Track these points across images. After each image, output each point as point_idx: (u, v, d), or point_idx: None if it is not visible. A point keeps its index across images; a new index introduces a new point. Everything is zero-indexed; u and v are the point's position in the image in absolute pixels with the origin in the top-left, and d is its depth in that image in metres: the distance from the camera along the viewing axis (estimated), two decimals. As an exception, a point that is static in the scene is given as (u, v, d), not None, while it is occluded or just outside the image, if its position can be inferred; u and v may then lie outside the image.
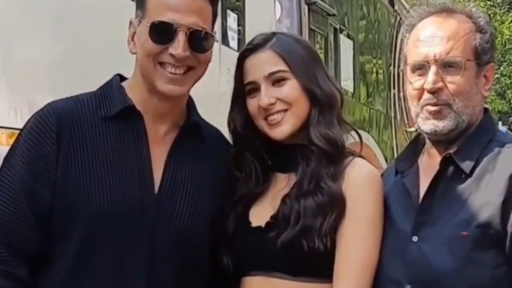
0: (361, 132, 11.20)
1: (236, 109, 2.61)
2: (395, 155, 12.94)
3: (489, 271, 2.34)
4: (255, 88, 2.54)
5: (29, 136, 2.38)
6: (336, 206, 2.44)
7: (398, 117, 13.40)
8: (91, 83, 2.59)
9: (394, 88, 13.13)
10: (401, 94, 13.45)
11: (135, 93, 2.45)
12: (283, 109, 2.52)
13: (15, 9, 3.71)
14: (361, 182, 2.50)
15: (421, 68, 2.48)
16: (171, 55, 2.38)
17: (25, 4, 3.77)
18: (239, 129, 2.60)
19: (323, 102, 2.55)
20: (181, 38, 2.37)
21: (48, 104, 2.46)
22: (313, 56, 2.65)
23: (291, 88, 2.53)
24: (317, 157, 2.50)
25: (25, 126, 2.44)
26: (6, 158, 2.41)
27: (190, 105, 2.55)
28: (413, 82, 2.49)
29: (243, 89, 2.58)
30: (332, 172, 2.48)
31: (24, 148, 2.37)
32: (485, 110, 2.56)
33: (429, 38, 2.48)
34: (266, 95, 2.51)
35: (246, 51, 2.61)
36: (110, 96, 2.45)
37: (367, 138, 11.42)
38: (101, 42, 4.13)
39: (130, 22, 2.45)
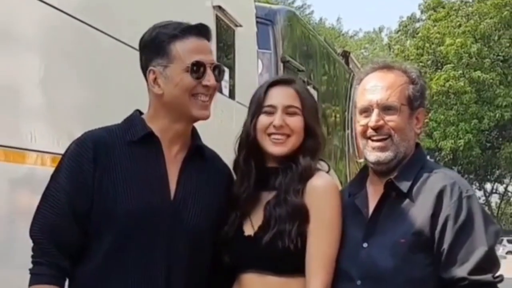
0: (322, 162, 11.22)
1: (250, 124, 2.60)
2: (348, 180, 12.96)
3: (421, 269, 2.35)
4: (272, 111, 2.55)
5: (71, 157, 2.42)
6: (299, 215, 2.44)
7: (351, 151, 13.41)
8: (116, 118, 2.60)
9: (348, 128, 13.16)
10: (353, 133, 13.50)
11: (154, 123, 2.46)
12: (287, 134, 2.53)
13: (59, 60, 3.69)
14: (321, 191, 2.49)
15: (366, 111, 2.49)
16: (205, 86, 2.41)
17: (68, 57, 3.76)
18: (240, 153, 2.61)
19: (313, 139, 2.57)
20: (210, 72, 2.42)
21: (85, 133, 2.49)
22: (315, 104, 2.70)
23: (298, 121, 2.55)
24: (291, 175, 2.50)
25: (67, 150, 2.47)
26: (52, 175, 2.44)
27: (194, 131, 2.56)
28: (360, 121, 2.51)
29: (260, 109, 2.58)
30: (298, 188, 2.48)
31: (67, 167, 2.41)
32: (417, 144, 2.56)
33: (373, 87, 2.50)
34: (280, 118, 2.54)
35: (276, 82, 2.64)
36: (134, 126, 2.47)
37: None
38: (123, 86, 4.12)
39: (151, 71, 2.43)
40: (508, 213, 48.72)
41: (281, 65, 9.00)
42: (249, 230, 2.52)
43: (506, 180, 37.93)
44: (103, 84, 4.09)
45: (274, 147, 2.54)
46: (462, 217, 2.33)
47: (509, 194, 42.45)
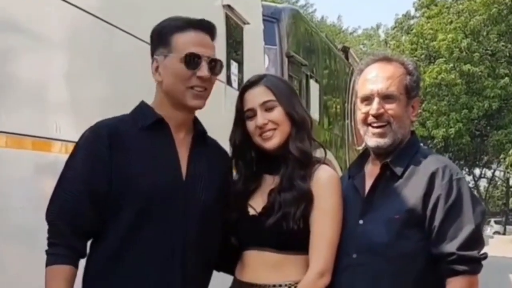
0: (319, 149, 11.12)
1: (236, 129, 2.62)
2: (347, 166, 12.94)
3: (413, 244, 2.37)
4: (252, 114, 2.55)
5: (86, 143, 2.39)
6: (304, 199, 2.45)
7: (350, 139, 13.40)
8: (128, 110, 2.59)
9: (347, 118, 13.14)
10: (352, 123, 13.47)
11: (160, 110, 2.44)
12: (273, 128, 2.53)
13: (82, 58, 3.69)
14: (325, 182, 2.50)
15: (367, 99, 2.50)
16: (199, 77, 2.39)
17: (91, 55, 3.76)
18: (238, 143, 2.61)
19: (298, 123, 2.55)
20: (205, 64, 2.40)
21: (97, 122, 2.47)
22: (291, 90, 2.66)
23: (278, 113, 2.54)
24: (292, 163, 2.51)
25: (81, 138, 2.44)
26: (67, 161, 2.42)
27: (196, 119, 2.55)
28: (362, 109, 2.52)
29: (242, 115, 2.58)
30: (302, 174, 2.49)
31: (83, 152, 2.38)
32: (412, 132, 2.58)
33: (374, 77, 2.51)
34: (261, 117, 2.53)
35: (246, 87, 2.62)
36: (143, 113, 2.45)
37: (329, 155, 11.42)
38: (137, 81, 4.12)
39: (154, 58, 2.44)
40: (495, 196, 48.65)
41: (285, 60, 8.98)
42: (253, 210, 2.53)
43: (494, 166, 37.90)
44: (122, 78, 4.09)
45: (267, 143, 2.54)
46: (452, 197, 2.36)
47: (496, 178, 42.42)
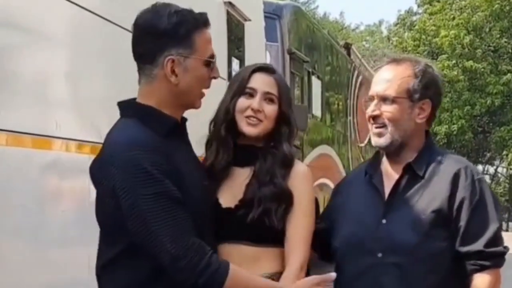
0: (326, 146, 11.20)
1: (226, 102, 2.56)
2: (350, 163, 12.93)
3: (439, 243, 2.41)
4: (252, 93, 2.53)
5: (149, 168, 2.04)
6: (286, 198, 2.48)
7: (353, 136, 13.40)
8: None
9: (350, 115, 13.13)
10: (354, 119, 13.46)
11: (163, 109, 2.21)
12: (261, 118, 2.53)
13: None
14: (302, 177, 2.55)
15: (370, 100, 2.53)
16: (212, 77, 2.28)
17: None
18: (219, 126, 2.55)
19: (289, 125, 2.58)
20: (216, 64, 2.30)
21: (133, 152, 2.06)
22: (290, 95, 2.69)
23: (273, 109, 2.54)
24: (272, 159, 2.52)
25: (135, 173, 2.04)
26: (140, 194, 2.04)
27: None
28: (366, 110, 2.55)
29: (242, 90, 2.55)
30: (283, 173, 2.51)
31: (155, 176, 2.04)
32: (427, 132, 2.58)
33: (378, 80, 2.55)
34: (259, 103, 2.52)
35: (259, 68, 2.60)
36: (156, 120, 2.18)
37: (331, 151, 11.40)
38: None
39: (171, 60, 2.16)
40: (498, 192, 48.61)
41: (287, 57, 8.98)
42: (227, 202, 2.51)
43: (496, 162, 37.83)
44: (121, 75, 4.09)
45: (248, 128, 2.53)
46: (476, 198, 2.41)
47: (499, 175, 42.37)
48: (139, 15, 2.20)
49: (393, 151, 2.51)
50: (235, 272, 2.15)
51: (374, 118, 2.50)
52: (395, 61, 2.58)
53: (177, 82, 2.18)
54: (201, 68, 2.21)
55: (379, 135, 2.50)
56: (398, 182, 2.49)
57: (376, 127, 2.50)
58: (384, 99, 2.48)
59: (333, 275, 2.35)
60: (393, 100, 2.47)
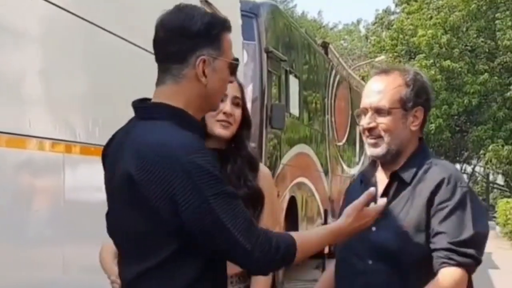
0: (304, 145, 11.24)
1: None
2: (328, 162, 12.99)
3: (423, 248, 2.41)
4: (223, 97, 2.54)
5: (211, 169, 2.01)
6: (260, 199, 2.59)
7: (330, 135, 13.44)
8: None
9: (327, 114, 13.17)
10: (332, 118, 13.50)
11: (191, 113, 2.15)
12: (231, 122, 2.64)
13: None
14: (268, 178, 2.71)
15: (364, 113, 2.55)
16: (230, 81, 2.23)
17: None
18: None
19: (250, 127, 2.73)
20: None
21: (195, 156, 2.01)
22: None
23: (239, 112, 2.67)
24: (241, 161, 2.62)
25: (184, 172, 1.99)
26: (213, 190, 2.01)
27: None
28: (360, 122, 2.57)
29: None
30: (254, 176, 2.62)
31: (216, 176, 2.02)
32: (420, 139, 2.60)
33: (369, 92, 2.56)
34: (230, 107, 2.65)
35: None
36: (187, 123, 2.11)
37: (309, 150, 11.43)
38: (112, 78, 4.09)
39: (202, 58, 2.11)
40: (475, 191, 49.01)
41: (264, 55, 8.99)
42: None
43: (474, 161, 38.14)
44: (97, 74, 4.07)
45: (223, 130, 2.63)
46: (453, 204, 2.40)
47: (477, 174, 42.71)
48: (166, 16, 2.15)
49: (389, 160, 2.54)
50: (300, 239, 2.11)
51: (370, 130, 2.52)
52: (384, 71, 2.59)
53: (206, 83, 2.13)
54: (226, 70, 2.17)
55: (375, 145, 2.52)
56: (386, 189, 2.51)
57: (372, 138, 2.52)
58: (378, 110, 2.50)
59: (372, 190, 2.26)
60: (388, 112, 2.49)
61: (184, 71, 2.11)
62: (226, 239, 2.00)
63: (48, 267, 3.55)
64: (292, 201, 10.05)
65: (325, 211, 12.34)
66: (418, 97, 2.53)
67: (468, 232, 2.39)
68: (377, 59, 27.02)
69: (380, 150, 2.51)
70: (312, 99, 12.02)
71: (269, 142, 8.97)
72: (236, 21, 7.11)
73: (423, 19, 28.08)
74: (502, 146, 25.74)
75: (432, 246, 2.40)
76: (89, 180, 3.91)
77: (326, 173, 12.78)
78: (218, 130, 2.61)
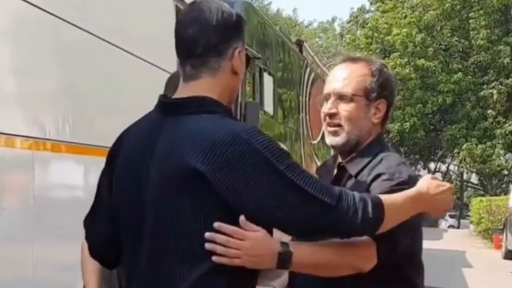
0: (278, 143, 11.20)
1: None
2: (303, 160, 13.02)
3: None
4: None
5: (278, 145, 2.08)
6: None
7: (305, 133, 13.47)
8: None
9: (302, 112, 13.21)
10: (307, 116, 13.54)
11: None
12: None
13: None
14: None
15: (325, 98, 2.52)
16: None
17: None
18: None
19: None
20: None
21: (251, 127, 2.12)
22: None
23: None
24: None
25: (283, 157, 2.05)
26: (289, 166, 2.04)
27: None
28: (322, 108, 2.53)
29: None
30: None
31: (285, 151, 2.09)
32: (379, 133, 2.56)
33: (333, 78, 2.53)
34: None
35: None
36: (235, 118, 2.19)
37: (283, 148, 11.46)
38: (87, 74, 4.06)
39: (239, 51, 2.16)
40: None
41: (238, 53, 8.99)
42: None
43: (448, 160, 38.49)
44: (64, 70, 4.04)
45: None
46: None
47: (451, 172, 43.10)
48: (193, 11, 2.16)
49: (347, 151, 2.50)
50: (384, 198, 2.15)
51: (331, 116, 2.48)
52: (351, 59, 2.57)
53: (239, 73, 2.18)
54: (243, 62, 2.20)
55: (335, 133, 2.49)
56: (333, 182, 2.44)
57: (332, 126, 2.49)
58: (341, 97, 2.47)
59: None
60: (351, 98, 2.46)
61: (221, 64, 2.13)
62: (314, 206, 2.01)
63: (17, 265, 3.51)
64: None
65: (300, 209, 12.36)
66: (382, 89, 2.51)
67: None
68: (352, 58, 27.14)
69: (339, 139, 2.48)
70: (286, 97, 12.05)
71: (243, 140, 8.95)
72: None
73: (397, 18, 28.29)
74: (476, 145, 26.02)
75: None
76: (59, 178, 3.87)
77: (300, 171, 12.80)
78: None
